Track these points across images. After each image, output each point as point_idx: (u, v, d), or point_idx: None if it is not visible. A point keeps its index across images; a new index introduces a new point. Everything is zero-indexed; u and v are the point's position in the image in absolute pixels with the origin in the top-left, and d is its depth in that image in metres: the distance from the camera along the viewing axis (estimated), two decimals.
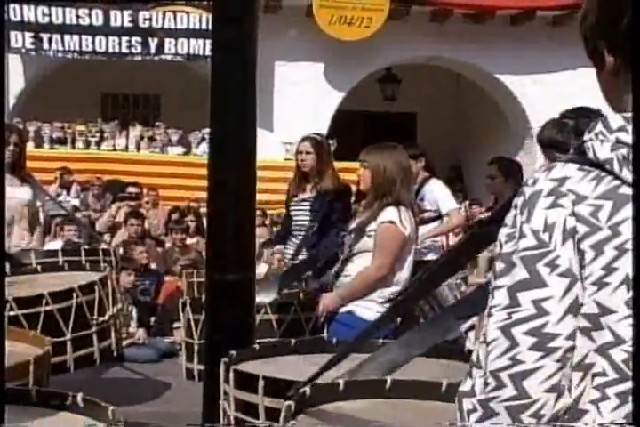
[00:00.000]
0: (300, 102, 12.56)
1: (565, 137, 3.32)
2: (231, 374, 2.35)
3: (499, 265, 1.16)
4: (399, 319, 3.72)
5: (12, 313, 3.32)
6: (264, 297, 3.47)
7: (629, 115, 1.12)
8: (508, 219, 1.17)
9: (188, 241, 9.16)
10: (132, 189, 10.28)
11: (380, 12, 12.27)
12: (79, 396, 2.01)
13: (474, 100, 15.07)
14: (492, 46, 12.80)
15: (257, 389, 2.24)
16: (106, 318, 3.65)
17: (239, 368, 2.39)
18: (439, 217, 6.10)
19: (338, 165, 5.89)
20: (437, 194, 6.09)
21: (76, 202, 10.82)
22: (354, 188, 4.92)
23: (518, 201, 1.16)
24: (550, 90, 12.50)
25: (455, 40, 12.72)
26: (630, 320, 1.09)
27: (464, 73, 14.15)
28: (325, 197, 5.32)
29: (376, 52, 12.65)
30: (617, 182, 1.11)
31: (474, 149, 14.91)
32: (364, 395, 2.10)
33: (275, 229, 9.28)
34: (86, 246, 5.75)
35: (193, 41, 12.34)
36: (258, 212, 8.74)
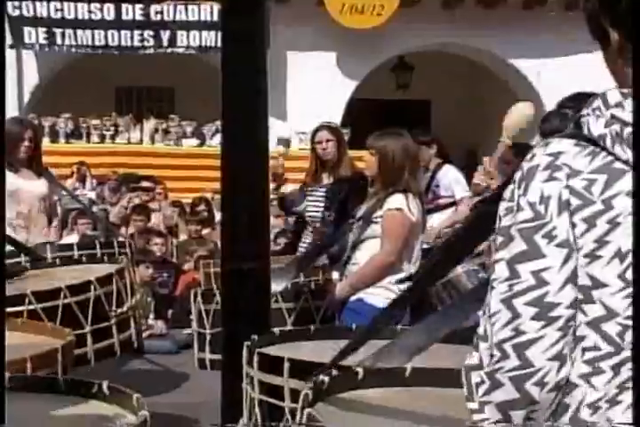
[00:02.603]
0: (313, 92, 12.55)
1: (567, 127, 3.28)
2: (255, 358, 2.36)
3: (498, 238, 1.17)
4: (415, 306, 3.73)
5: (30, 307, 3.35)
6: (276, 286, 3.48)
7: (627, 90, 1.12)
8: (507, 193, 1.18)
9: (203, 232, 9.19)
10: (145, 182, 10.33)
11: None
12: (105, 384, 2.03)
13: (488, 85, 14.99)
14: (504, 31, 12.73)
15: (282, 371, 2.25)
16: (124, 309, 3.67)
17: (263, 351, 2.40)
18: (454, 203, 6.09)
19: (352, 153, 5.89)
20: (451, 179, 6.09)
21: (93, 195, 10.88)
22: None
23: (516, 176, 1.18)
24: (564, 74, 12.41)
25: (468, 26, 12.65)
26: (624, 293, 1.10)
27: (477, 59, 14.08)
28: (342, 185, 5.32)
29: (388, 40, 12.61)
30: (611, 158, 1.12)
31: (489, 135, 14.78)
32: (382, 383, 2.10)
33: (289, 218, 9.28)
34: (102, 239, 5.79)
35: (205, 33, 12.35)
36: (275, 202, 8.73)
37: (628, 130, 1.10)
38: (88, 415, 1.98)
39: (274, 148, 10.56)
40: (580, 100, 3.47)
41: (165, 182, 10.98)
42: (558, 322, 1.12)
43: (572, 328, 1.13)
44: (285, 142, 12.25)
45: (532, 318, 1.12)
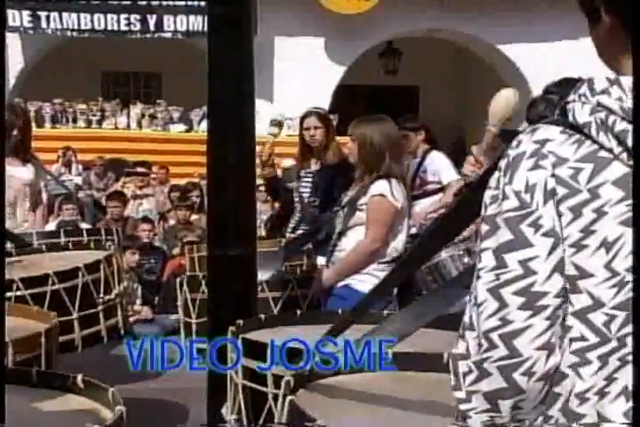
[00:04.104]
0: (301, 77, 12.51)
1: (553, 113, 3.29)
2: (239, 343, 2.37)
3: (484, 227, 1.16)
4: (402, 291, 3.74)
5: (18, 293, 3.34)
6: (262, 274, 3.48)
7: (613, 77, 1.12)
8: (492, 181, 1.17)
9: (192, 218, 9.16)
10: (139, 168, 10.29)
11: None
12: (79, 377, 2.00)
13: (476, 71, 14.99)
14: (492, 17, 12.72)
15: (265, 357, 2.26)
16: (112, 296, 3.66)
17: (247, 337, 2.41)
18: (442, 189, 6.09)
19: (340, 139, 5.87)
20: (438, 165, 6.09)
21: (79, 180, 10.83)
22: None
23: (502, 163, 1.17)
24: (552, 59, 12.42)
25: (456, 11, 12.63)
26: (610, 282, 1.10)
27: (465, 44, 14.07)
28: (329, 170, 5.31)
29: (376, 26, 12.57)
30: (596, 146, 1.11)
31: (477, 121, 14.81)
32: (365, 368, 2.10)
33: (277, 205, 9.27)
34: (87, 226, 5.74)
35: (192, 17, 12.27)
36: (262, 188, 8.68)
37: (613, 118, 1.09)
38: (62, 410, 1.93)
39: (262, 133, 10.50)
40: (565, 86, 3.46)
41: (161, 168, 10.95)
42: (546, 311, 1.12)
43: (560, 318, 1.12)
44: (278, 124, 12.00)
45: (520, 308, 1.12)
